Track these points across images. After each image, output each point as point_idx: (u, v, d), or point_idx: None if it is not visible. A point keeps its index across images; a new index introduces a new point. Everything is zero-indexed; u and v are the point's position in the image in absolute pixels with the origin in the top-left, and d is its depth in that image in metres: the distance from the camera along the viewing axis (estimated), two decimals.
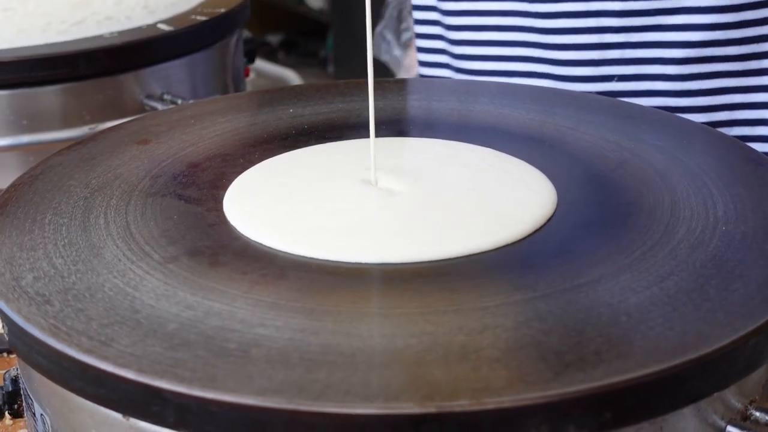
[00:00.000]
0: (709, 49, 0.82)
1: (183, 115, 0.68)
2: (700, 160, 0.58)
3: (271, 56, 3.05)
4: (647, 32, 0.82)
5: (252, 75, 1.28)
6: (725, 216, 0.51)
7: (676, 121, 0.65)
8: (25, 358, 0.44)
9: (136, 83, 0.88)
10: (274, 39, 3.32)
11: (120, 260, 0.48)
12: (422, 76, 0.96)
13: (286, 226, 0.51)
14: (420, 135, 0.64)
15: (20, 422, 0.59)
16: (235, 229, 0.51)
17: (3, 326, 0.45)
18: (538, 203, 0.52)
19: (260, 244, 0.50)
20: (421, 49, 0.95)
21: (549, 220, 0.51)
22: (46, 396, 0.46)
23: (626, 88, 0.84)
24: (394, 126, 0.66)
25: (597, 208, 0.53)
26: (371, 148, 0.56)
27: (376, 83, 0.75)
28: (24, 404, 0.50)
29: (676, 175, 0.56)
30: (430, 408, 0.37)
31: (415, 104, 0.70)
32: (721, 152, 0.59)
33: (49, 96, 0.84)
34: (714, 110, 0.83)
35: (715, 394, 0.42)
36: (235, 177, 0.57)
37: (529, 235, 0.49)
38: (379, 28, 1.62)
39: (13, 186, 0.57)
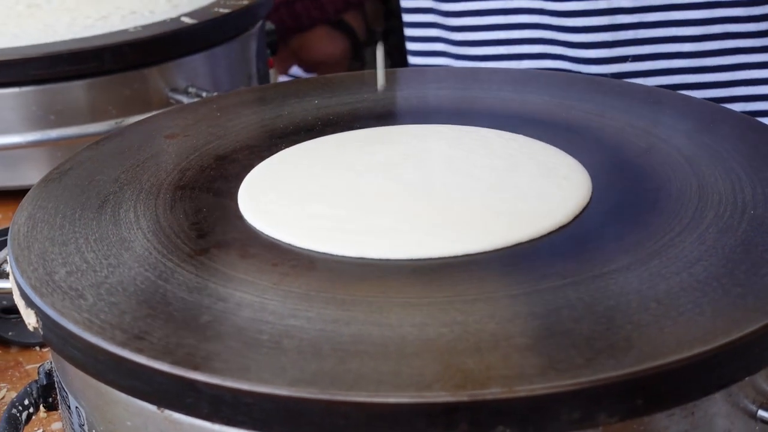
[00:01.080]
0: (728, 26, 0.81)
1: (209, 108, 0.68)
2: (727, 144, 0.57)
3: None
4: (662, 11, 0.82)
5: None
6: (753, 200, 0.51)
7: (701, 106, 0.64)
8: (60, 352, 0.45)
9: (161, 77, 0.89)
10: None
11: (151, 253, 0.49)
12: (413, 65, 0.96)
13: (309, 225, 0.50)
14: (446, 122, 0.64)
15: (54, 415, 0.59)
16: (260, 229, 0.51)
17: (37, 321, 0.46)
18: (574, 193, 0.52)
19: (286, 243, 0.49)
20: (411, 38, 0.94)
21: (583, 210, 0.51)
22: (81, 389, 0.47)
23: (642, 68, 0.83)
24: (418, 114, 0.66)
25: (624, 195, 0.53)
26: None
27: (395, 72, 0.75)
28: (59, 397, 0.51)
29: (703, 160, 0.56)
30: (463, 396, 0.37)
31: (439, 93, 0.70)
32: (747, 136, 0.59)
33: (75, 91, 0.85)
34: (732, 85, 0.83)
35: (746, 379, 0.41)
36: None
37: (564, 226, 0.49)
38: None
39: (43, 182, 0.57)
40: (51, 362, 0.51)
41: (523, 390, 0.37)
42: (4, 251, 0.60)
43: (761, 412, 0.42)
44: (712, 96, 0.82)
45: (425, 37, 0.93)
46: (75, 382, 0.47)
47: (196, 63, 0.91)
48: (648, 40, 0.83)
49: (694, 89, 0.83)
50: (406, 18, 0.94)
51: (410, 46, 0.94)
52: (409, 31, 0.94)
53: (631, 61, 0.83)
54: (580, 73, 0.84)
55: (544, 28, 0.85)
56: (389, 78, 0.72)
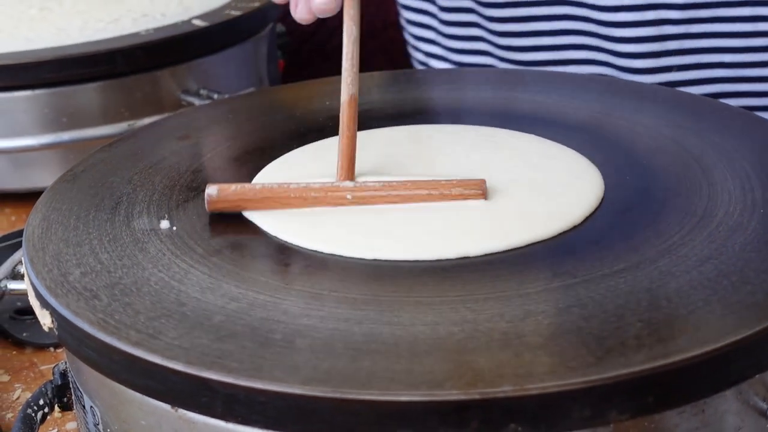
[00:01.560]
0: None
1: (221, 109, 0.69)
2: (737, 143, 0.58)
3: None
4: (708, 23, 0.82)
5: None
6: (763, 199, 0.51)
7: (712, 105, 0.65)
8: (75, 352, 0.45)
9: (173, 79, 0.89)
10: None
11: (164, 254, 0.49)
12: (457, 63, 0.96)
13: (320, 226, 0.50)
14: (457, 123, 0.64)
15: (69, 415, 0.60)
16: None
17: (52, 321, 0.46)
18: (586, 193, 0.52)
19: (297, 245, 0.50)
20: (451, 37, 0.94)
21: (595, 210, 0.51)
22: (96, 388, 0.47)
23: (685, 78, 0.83)
24: (429, 115, 0.66)
25: (635, 194, 0.53)
26: None
27: (419, 73, 0.75)
28: (73, 397, 0.51)
29: (713, 159, 0.56)
30: (474, 394, 0.37)
31: (450, 93, 0.70)
32: (758, 136, 0.59)
33: (88, 93, 0.86)
34: (767, 96, 0.83)
35: (756, 376, 0.42)
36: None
37: (575, 226, 0.50)
38: None
39: (57, 184, 0.58)
40: (65, 362, 0.52)
41: (534, 388, 0.37)
42: (19, 253, 0.61)
43: None
44: (745, 104, 0.82)
45: (467, 36, 0.92)
46: (90, 381, 0.47)
47: (208, 65, 0.91)
48: (693, 50, 0.82)
49: (729, 98, 0.83)
50: (444, 17, 0.93)
51: (451, 44, 0.93)
52: (447, 30, 0.93)
53: (676, 71, 0.83)
54: None
55: (590, 35, 0.85)
56: (401, 79, 0.72)
